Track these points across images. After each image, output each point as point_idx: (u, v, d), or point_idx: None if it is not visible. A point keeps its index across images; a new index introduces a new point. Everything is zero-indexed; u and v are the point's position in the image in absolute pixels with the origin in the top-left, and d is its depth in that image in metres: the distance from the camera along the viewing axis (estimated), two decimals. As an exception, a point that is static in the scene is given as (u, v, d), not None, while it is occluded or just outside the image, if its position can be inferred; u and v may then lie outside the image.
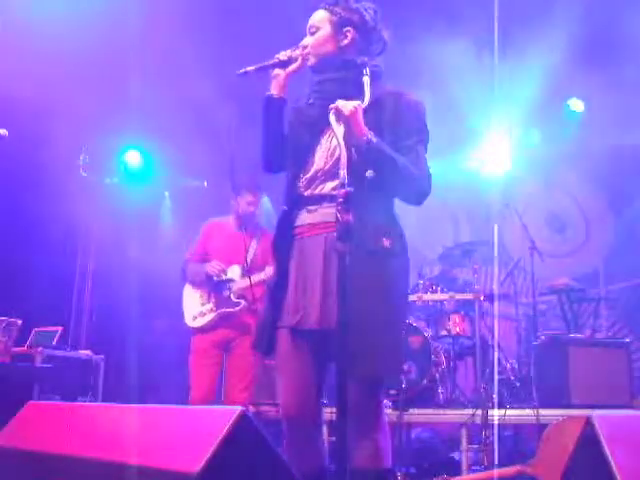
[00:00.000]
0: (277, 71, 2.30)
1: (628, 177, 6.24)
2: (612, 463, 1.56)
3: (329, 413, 4.54)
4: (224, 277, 4.17)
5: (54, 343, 5.15)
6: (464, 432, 4.23)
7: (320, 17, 2.30)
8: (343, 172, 1.88)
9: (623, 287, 6.40)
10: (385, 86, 2.27)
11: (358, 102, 2.08)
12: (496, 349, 5.07)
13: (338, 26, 2.26)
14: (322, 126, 2.19)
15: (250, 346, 4.04)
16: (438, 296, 5.16)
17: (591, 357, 4.46)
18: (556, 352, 4.56)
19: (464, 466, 4.13)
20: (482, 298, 5.01)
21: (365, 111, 2.09)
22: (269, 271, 3.93)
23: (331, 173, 2.18)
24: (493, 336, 5.13)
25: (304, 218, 2.24)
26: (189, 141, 6.26)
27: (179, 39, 5.27)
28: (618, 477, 1.53)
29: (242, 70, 2.27)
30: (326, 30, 2.27)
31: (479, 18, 5.36)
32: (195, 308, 4.19)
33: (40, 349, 4.91)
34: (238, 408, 1.86)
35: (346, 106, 2.04)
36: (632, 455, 1.60)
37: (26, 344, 5.12)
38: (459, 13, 5.41)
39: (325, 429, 4.66)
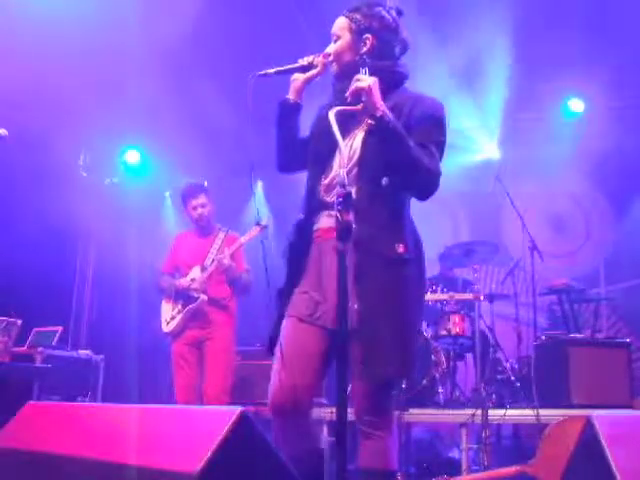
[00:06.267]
0: (295, 76, 2.33)
1: (628, 177, 6.24)
2: (612, 463, 1.56)
3: (329, 413, 4.56)
4: (188, 279, 4.35)
5: (54, 343, 5.15)
6: (464, 432, 4.23)
7: (341, 25, 2.32)
8: (343, 172, 1.89)
9: (623, 287, 6.39)
10: (407, 90, 2.29)
11: (374, 78, 2.11)
12: (496, 349, 5.07)
13: (357, 34, 2.27)
14: (343, 132, 2.08)
15: (220, 345, 4.24)
16: (438, 296, 5.15)
17: (591, 357, 4.46)
18: (556, 352, 4.55)
19: (464, 466, 4.13)
20: (482, 298, 5.01)
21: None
22: (219, 257, 4.21)
23: (350, 178, 2.15)
24: (493, 336, 5.13)
25: (324, 222, 2.26)
26: (189, 141, 6.27)
27: (179, 39, 5.27)
28: (618, 477, 1.53)
29: (262, 72, 2.28)
30: (346, 38, 2.29)
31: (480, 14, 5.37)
32: (167, 313, 4.39)
33: (40, 349, 4.91)
34: (238, 408, 1.86)
35: (365, 80, 2.09)
36: (632, 455, 1.60)
37: (26, 344, 5.12)
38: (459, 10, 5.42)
39: (325, 429, 4.68)
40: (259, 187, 7.41)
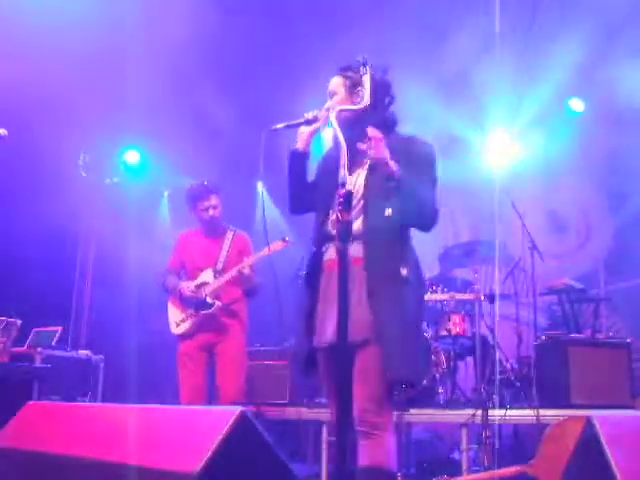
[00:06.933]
0: (302, 129, 2.63)
1: (628, 177, 6.23)
2: (612, 463, 1.56)
3: (329, 413, 4.56)
4: (198, 282, 4.30)
5: (54, 343, 5.14)
6: (464, 432, 4.22)
7: (336, 83, 2.64)
8: (343, 172, 1.94)
9: (623, 287, 6.39)
10: (399, 134, 2.61)
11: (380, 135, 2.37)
12: (496, 349, 5.07)
13: (351, 88, 2.58)
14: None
15: (233, 348, 4.22)
16: (438, 296, 5.15)
17: (591, 357, 4.46)
18: (556, 352, 4.55)
19: (464, 466, 4.13)
20: (482, 298, 5.01)
21: (373, 167, 2.46)
22: (239, 266, 4.17)
23: (355, 212, 2.44)
24: (493, 336, 5.13)
25: (332, 253, 2.50)
26: (189, 141, 6.27)
27: (179, 40, 5.27)
28: (618, 477, 1.53)
29: (273, 127, 2.59)
30: (341, 93, 2.59)
31: (484, 14, 5.37)
32: (177, 315, 4.34)
33: (39, 349, 4.90)
34: (238, 408, 1.86)
35: (379, 147, 2.36)
36: (632, 455, 1.60)
37: (25, 344, 5.11)
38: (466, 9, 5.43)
39: (325, 429, 4.68)
40: (262, 189, 7.36)
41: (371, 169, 2.48)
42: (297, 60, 5.87)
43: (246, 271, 4.16)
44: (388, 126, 2.58)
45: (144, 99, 5.39)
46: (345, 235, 1.97)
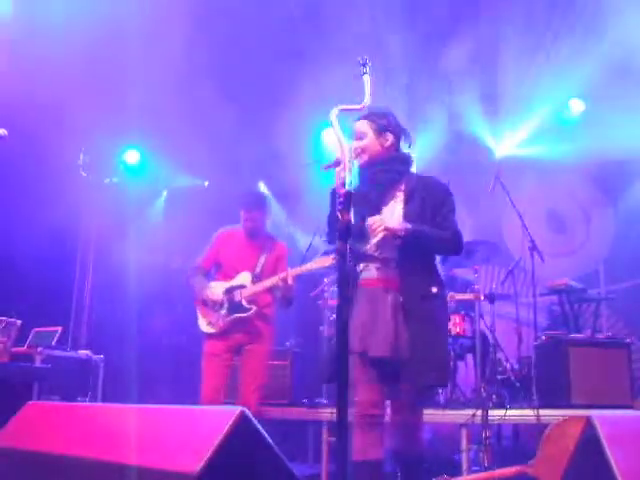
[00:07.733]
0: (338, 169, 2.88)
1: (628, 177, 6.23)
2: (612, 463, 1.56)
3: (329, 413, 4.57)
4: (234, 284, 4.27)
5: (53, 343, 5.14)
6: (464, 432, 4.23)
7: (363, 125, 2.97)
8: (344, 173, 1.97)
9: (623, 287, 6.39)
10: (415, 175, 2.98)
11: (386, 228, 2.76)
12: (496, 349, 5.07)
13: (378, 132, 2.95)
14: (379, 204, 2.89)
15: (262, 349, 4.24)
16: (438, 296, 5.14)
17: (591, 357, 4.46)
18: (556, 352, 4.55)
19: (464, 466, 4.13)
20: (482, 298, 5.01)
21: (407, 199, 2.88)
22: (282, 275, 4.10)
23: (386, 242, 2.82)
24: (493, 336, 5.13)
25: (370, 274, 2.87)
26: (189, 141, 6.27)
27: (179, 40, 5.28)
28: (618, 477, 1.53)
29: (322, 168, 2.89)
30: (370, 135, 2.95)
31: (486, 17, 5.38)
32: (209, 314, 4.29)
33: (39, 349, 4.90)
34: (238, 408, 1.86)
35: (394, 229, 2.75)
36: (632, 455, 1.60)
37: (26, 344, 5.11)
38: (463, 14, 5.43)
39: (325, 429, 4.69)
40: (264, 188, 7.36)
41: (407, 200, 2.86)
42: (297, 62, 5.87)
43: (290, 282, 4.08)
44: (409, 165, 2.98)
45: (144, 99, 5.39)
46: (345, 235, 1.99)
